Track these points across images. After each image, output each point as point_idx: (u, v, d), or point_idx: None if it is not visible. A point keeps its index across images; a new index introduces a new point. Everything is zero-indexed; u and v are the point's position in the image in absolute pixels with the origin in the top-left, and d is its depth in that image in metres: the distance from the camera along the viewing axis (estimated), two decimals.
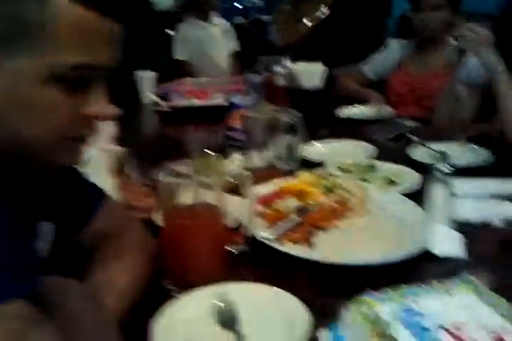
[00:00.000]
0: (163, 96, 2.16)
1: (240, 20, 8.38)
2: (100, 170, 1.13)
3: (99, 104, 0.64)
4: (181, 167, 0.77)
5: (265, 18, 7.70)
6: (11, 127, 0.61)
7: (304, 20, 2.92)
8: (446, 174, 0.95)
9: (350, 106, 1.99)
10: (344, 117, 1.89)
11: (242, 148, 1.22)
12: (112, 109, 0.66)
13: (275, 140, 1.23)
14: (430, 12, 1.95)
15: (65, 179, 0.76)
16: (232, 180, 0.80)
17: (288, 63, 1.71)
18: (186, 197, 0.75)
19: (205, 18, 3.10)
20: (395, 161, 1.33)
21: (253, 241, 0.91)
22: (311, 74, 1.68)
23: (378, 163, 1.30)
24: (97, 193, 0.83)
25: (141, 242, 0.82)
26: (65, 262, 0.76)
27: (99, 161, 1.13)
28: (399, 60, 2.14)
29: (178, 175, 0.76)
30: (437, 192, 0.96)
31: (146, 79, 2.25)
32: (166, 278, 0.80)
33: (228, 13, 8.21)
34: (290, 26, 2.99)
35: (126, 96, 2.33)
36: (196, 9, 3.08)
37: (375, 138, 1.61)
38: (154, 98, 2.20)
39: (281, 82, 1.72)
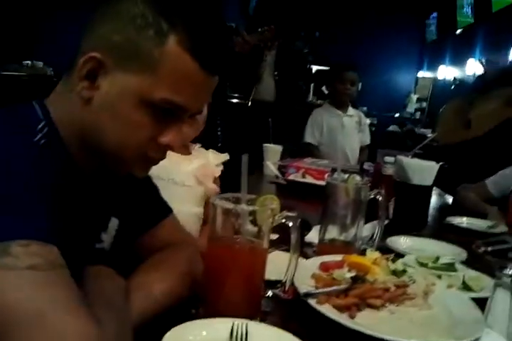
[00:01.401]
0: (282, 171, 2.28)
1: (394, 128, 8.59)
2: (192, 198, 1.25)
3: (174, 137, 0.75)
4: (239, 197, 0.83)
5: (419, 130, 7.80)
6: (101, 127, 0.73)
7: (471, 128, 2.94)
8: None
9: (463, 217, 1.93)
10: (451, 224, 1.83)
11: (322, 217, 1.25)
12: (180, 144, 0.78)
13: (358, 218, 1.24)
14: None
15: (141, 186, 0.87)
16: (282, 221, 0.83)
17: (403, 157, 1.73)
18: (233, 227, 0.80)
19: (341, 107, 3.27)
20: (481, 270, 1.26)
21: (296, 296, 0.92)
22: (423, 171, 1.69)
23: (460, 267, 1.24)
24: (164, 206, 0.93)
25: (190, 261, 0.88)
26: (122, 259, 0.85)
27: (195, 191, 1.26)
28: None
29: (236, 202, 0.81)
30: (501, 300, 0.91)
31: (273, 152, 2.40)
32: (197, 304, 0.84)
33: (385, 121, 8.48)
34: (454, 129, 3.02)
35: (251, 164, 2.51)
36: (334, 97, 3.26)
37: (473, 247, 1.53)
38: (275, 170, 2.33)
39: (389, 171, 1.74)
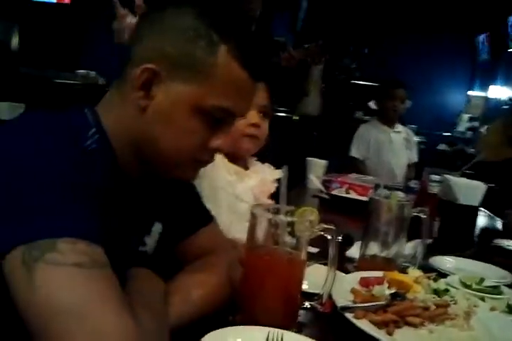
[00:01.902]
0: (326, 185, 2.27)
1: (444, 147, 8.42)
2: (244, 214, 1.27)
3: (223, 141, 0.80)
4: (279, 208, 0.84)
5: (470, 150, 7.63)
6: (155, 135, 0.77)
7: None
8: None
9: (511, 240, 1.86)
10: (498, 246, 1.77)
11: (364, 233, 1.24)
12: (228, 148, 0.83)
13: (400, 235, 1.23)
14: None
15: (184, 192, 0.90)
16: (320, 233, 0.83)
17: (450, 176, 1.71)
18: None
19: (389, 123, 3.24)
20: None
21: (333, 310, 0.92)
22: (470, 191, 1.65)
23: (506, 290, 1.20)
24: (206, 214, 0.95)
25: (229, 269, 0.89)
26: (164, 263, 0.87)
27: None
28: None
29: (275, 213, 0.82)
30: None
31: (317, 166, 2.40)
32: (235, 311, 0.84)
33: (435, 140, 8.35)
34: (499, 147, 2.95)
35: (294, 179, 2.51)
36: (382, 114, 3.24)
37: None
38: (319, 185, 2.32)
39: (434, 190, 1.72)
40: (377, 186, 1.44)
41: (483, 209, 2.43)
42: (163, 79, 0.75)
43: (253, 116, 1.37)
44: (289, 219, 0.81)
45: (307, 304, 0.88)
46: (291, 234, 0.82)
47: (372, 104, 3.73)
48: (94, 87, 4.59)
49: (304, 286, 1.00)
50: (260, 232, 0.82)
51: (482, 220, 2.24)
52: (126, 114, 0.78)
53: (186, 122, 0.76)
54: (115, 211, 0.74)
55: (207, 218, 0.96)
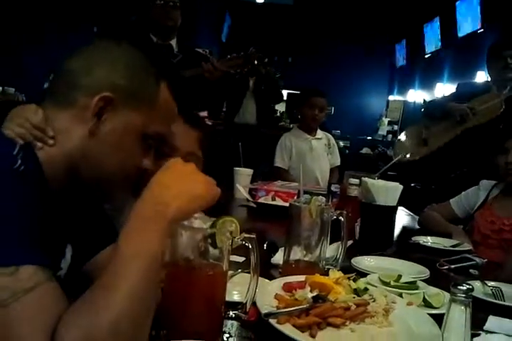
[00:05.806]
0: (253, 194, 2.31)
1: (367, 151, 8.74)
2: None
3: (151, 163, 0.89)
4: (200, 221, 0.85)
5: (391, 152, 7.94)
6: (101, 156, 0.84)
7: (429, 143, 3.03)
8: (468, 297, 0.92)
9: (428, 236, 1.97)
10: (416, 243, 1.87)
11: (286, 238, 1.28)
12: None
13: (322, 239, 1.27)
14: None
15: (94, 213, 0.90)
16: (242, 243, 0.86)
17: (367, 179, 1.78)
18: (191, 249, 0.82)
19: (309, 131, 3.33)
20: (445, 288, 1.29)
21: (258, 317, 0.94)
22: (387, 192, 1.73)
23: (422, 284, 1.27)
24: (113, 234, 0.95)
25: None
26: (77, 284, 0.85)
27: None
28: (486, 200, 2.11)
29: (194, 228, 0.83)
30: (456, 315, 0.93)
31: (243, 176, 2.43)
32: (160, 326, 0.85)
33: (358, 144, 8.64)
34: (414, 148, 3.10)
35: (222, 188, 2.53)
36: (302, 122, 3.33)
37: (437, 265, 1.57)
38: (245, 194, 2.35)
39: (354, 193, 1.79)
40: (305, 192, 1.47)
41: (403, 208, 2.56)
42: (116, 107, 0.82)
43: None
44: (209, 231, 0.82)
45: (231, 314, 0.90)
46: (213, 245, 0.83)
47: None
48: (13, 103, 4.42)
49: (236, 297, 1.02)
50: (181, 246, 0.83)
51: (402, 219, 2.35)
52: (70, 136, 0.82)
53: (132, 145, 0.85)
54: (42, 233, 0.73)
55: (113, 237, 0.96)
